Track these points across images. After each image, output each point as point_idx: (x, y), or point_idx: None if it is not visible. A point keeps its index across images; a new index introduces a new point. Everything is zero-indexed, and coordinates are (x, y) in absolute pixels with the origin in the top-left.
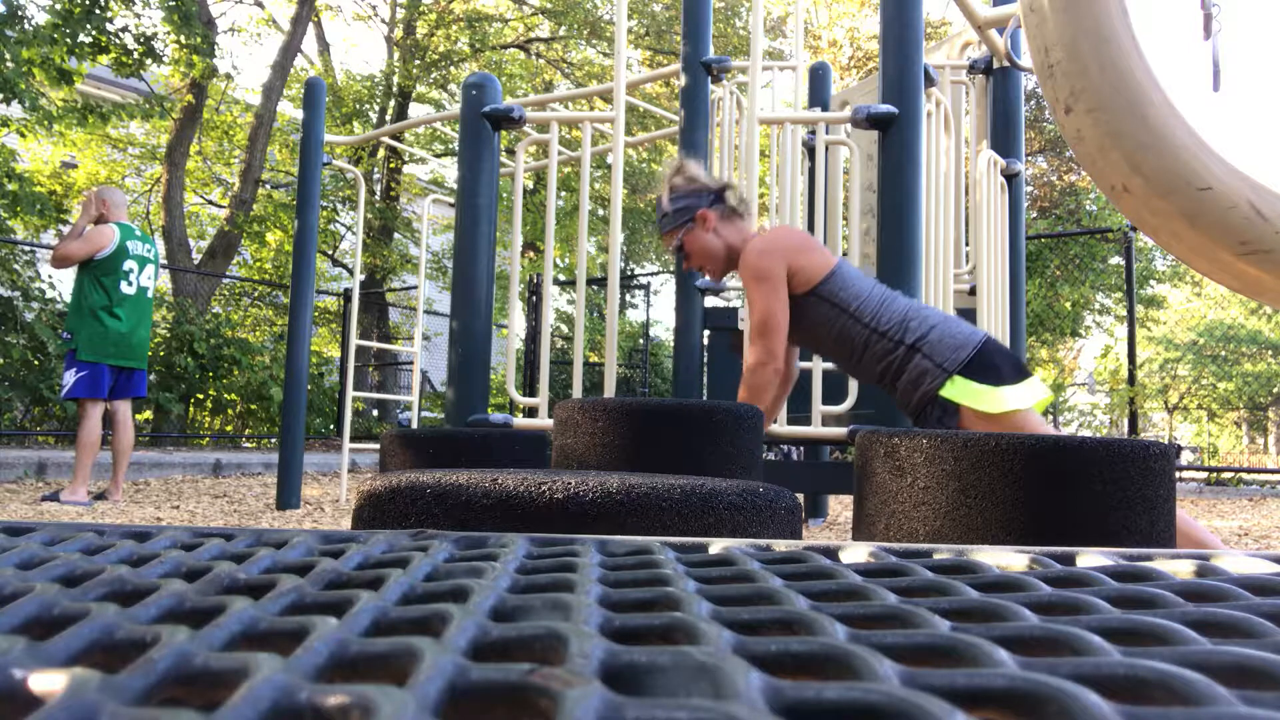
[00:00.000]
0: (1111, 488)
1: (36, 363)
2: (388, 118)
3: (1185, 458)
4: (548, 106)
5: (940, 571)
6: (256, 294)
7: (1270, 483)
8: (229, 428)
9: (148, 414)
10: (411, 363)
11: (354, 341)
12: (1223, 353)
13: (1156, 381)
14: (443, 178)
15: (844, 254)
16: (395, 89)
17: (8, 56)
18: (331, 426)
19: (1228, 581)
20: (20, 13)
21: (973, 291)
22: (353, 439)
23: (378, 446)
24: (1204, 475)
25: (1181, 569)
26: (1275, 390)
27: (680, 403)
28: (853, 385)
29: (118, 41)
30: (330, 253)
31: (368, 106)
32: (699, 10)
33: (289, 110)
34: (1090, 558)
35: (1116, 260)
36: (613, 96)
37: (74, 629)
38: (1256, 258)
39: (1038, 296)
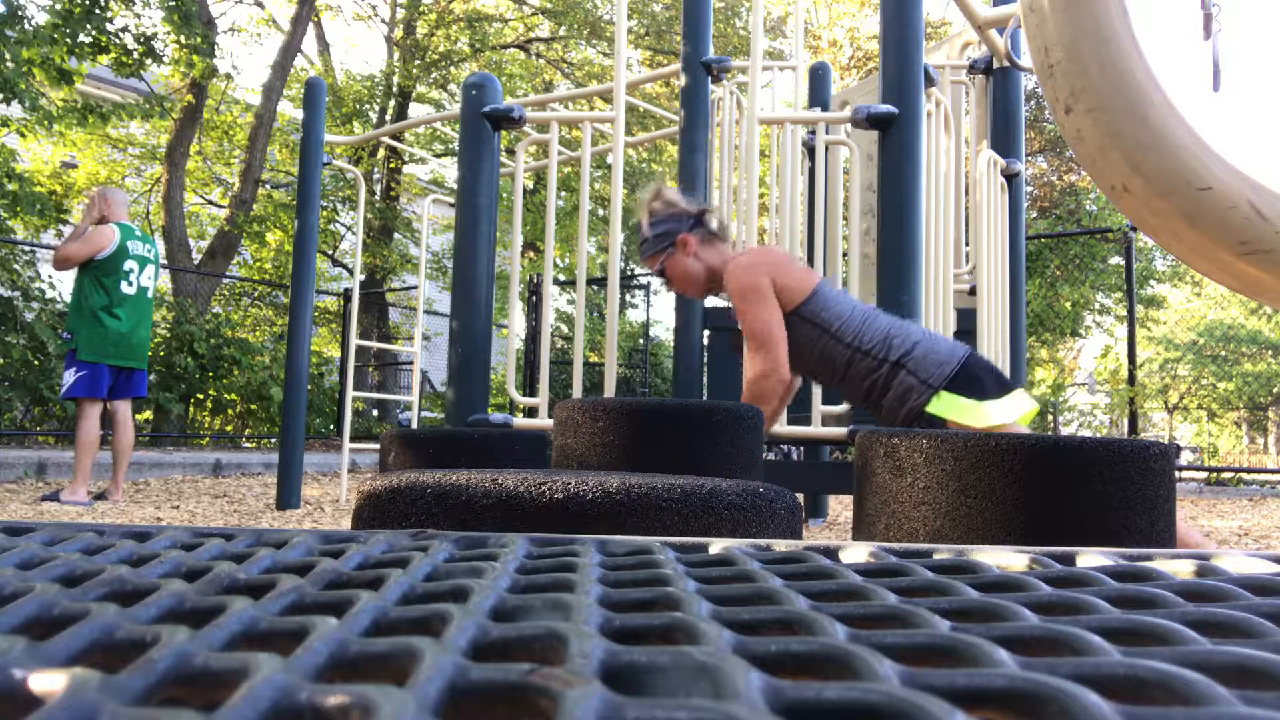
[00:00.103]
0: (1111, 488)
1: (36, 363)
2: (388, 118)
3: (1185, 458)
4: (548, 106)
5: (940, 571)
6: (256, 294)
7: (1270, 483)
8: (229, 428)
9: (148, 414)
10: (411, 363)
11: (354, 341)
12: (1223, 353)
13: (1156, 381)
14: (443, 178)
15: (844, 254)
16: (395, 89)
17: (8, 56)
18: (331, 426)
19: (1228, 581)
20: (20, 13)
21: (973, 291)
22: (353, 439)
23: (378, 446)
24: (1204, 475)
25: (1181, 569)
26: (1275, 390)
27: (680, 403)
28: None
29: (118, 41)
30: (330, 253)
31: (368, 106)
32: (699, 10)
33: (289, 110)
34: (1090, 558)
35: (1116, 260)
36: (613, 96)
37: (74, 629)
38: (1256, 258)
39: (1038, 296)
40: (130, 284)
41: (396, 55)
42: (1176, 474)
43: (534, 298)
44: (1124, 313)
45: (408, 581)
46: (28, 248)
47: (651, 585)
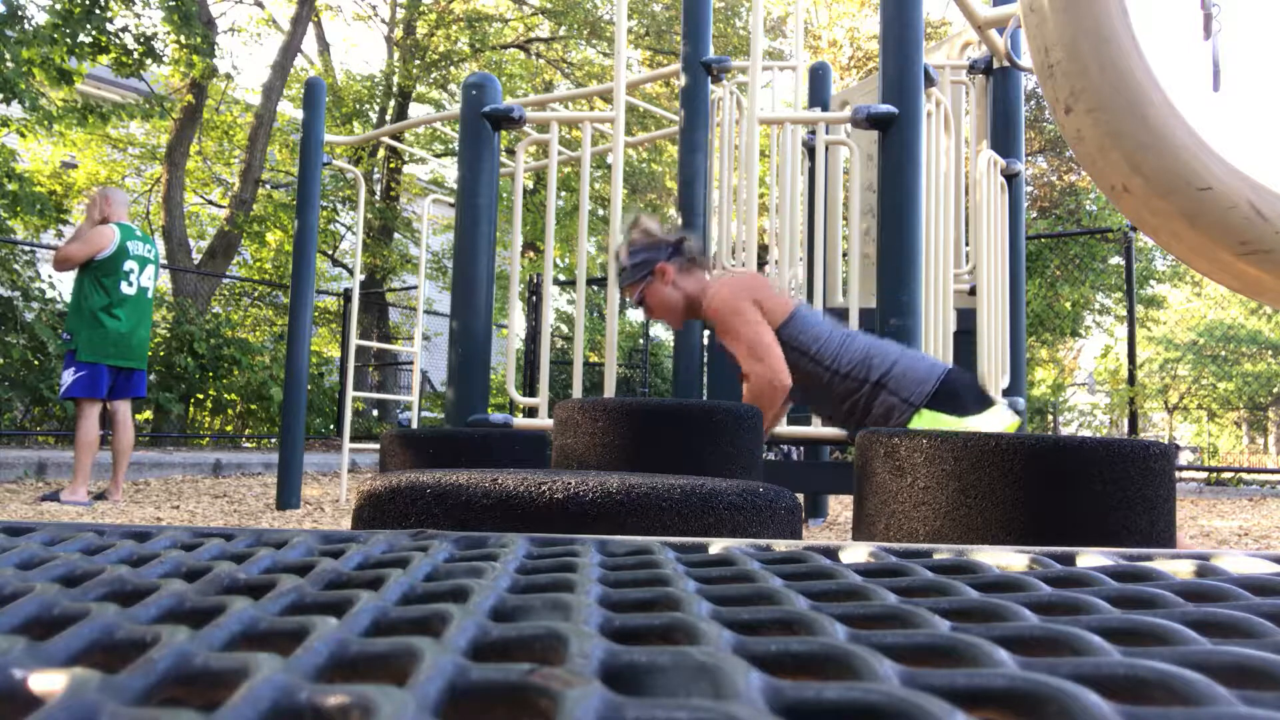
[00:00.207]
0: (1111, 488)
1: (36, 363)
2: (388, 118)
3: (1185, 458)
4: (548, 106)
5: (940, 571)
6: (256, 294)
7: (1270, 483)
8: (229, 428)
9: (148, 414)
10: (411, 363)
11: (354, 341)
12: (1223, 353)
13: (1156, 381)
14: (443, 178)
15: (844, 254)
16: (395, 89)
17: (8, 56)
18: (331, 426)
19: (1228, 581)
20: (20, 13)
21: (973, 291)
22: (353, 439)
23: (378, 446)
24: (1204, 475)
25: (1181, 569)
26: (1275, 390)
27: (680, 403)
28: None
29: (118, 41)
30: (330, 253)
31: (368, 106)
32: (699, 10)
33: (289, 110)
34: (1090, 558)
35: (1116, 260)
36: (613, 96)
37: (74, 629)
38: (1256, 258)
39: (1038, 296)
40: (130, 284)
41: (396, 55)
42: (1176, 474)
43: (534, 298)
44: (1124, 313)
45: (408, 581)
46: (28, 248)
47: (651, 585)
